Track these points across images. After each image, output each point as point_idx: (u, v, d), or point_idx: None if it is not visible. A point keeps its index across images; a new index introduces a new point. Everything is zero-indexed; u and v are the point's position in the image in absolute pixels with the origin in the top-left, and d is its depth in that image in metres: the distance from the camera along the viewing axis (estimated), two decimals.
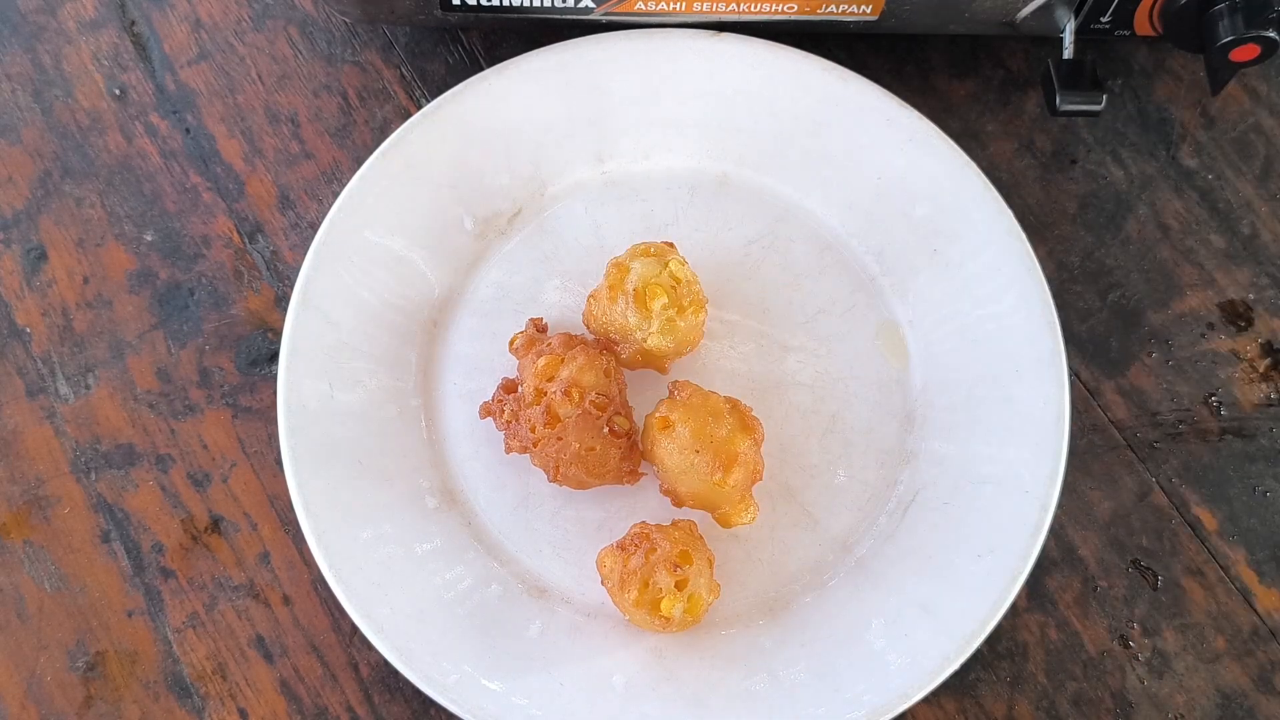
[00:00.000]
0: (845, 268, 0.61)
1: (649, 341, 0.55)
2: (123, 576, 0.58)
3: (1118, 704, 0.57)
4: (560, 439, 0.53)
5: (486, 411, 0.57)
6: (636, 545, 0.52)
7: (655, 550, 0.51)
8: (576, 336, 0.56)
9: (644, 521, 0.53)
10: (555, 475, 0.54)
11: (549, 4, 0.60)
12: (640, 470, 0.55)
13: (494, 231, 0.61)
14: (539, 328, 0.58)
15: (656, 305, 0.54)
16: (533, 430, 0.54)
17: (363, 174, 0.58)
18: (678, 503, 0.54)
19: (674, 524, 0.53)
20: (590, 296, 0.57)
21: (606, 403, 0.54)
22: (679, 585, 0.51)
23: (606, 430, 0.53)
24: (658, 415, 0.53)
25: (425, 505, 0.56)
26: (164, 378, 0.61)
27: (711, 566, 0.53)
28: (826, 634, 0.54)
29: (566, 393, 0.53)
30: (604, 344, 0.56)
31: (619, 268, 0.55)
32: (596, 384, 0.54)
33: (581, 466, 0.53)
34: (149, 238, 0.63)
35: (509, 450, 0.55)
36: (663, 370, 0.58)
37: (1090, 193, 0.65)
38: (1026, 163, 0.65)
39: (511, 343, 0.57)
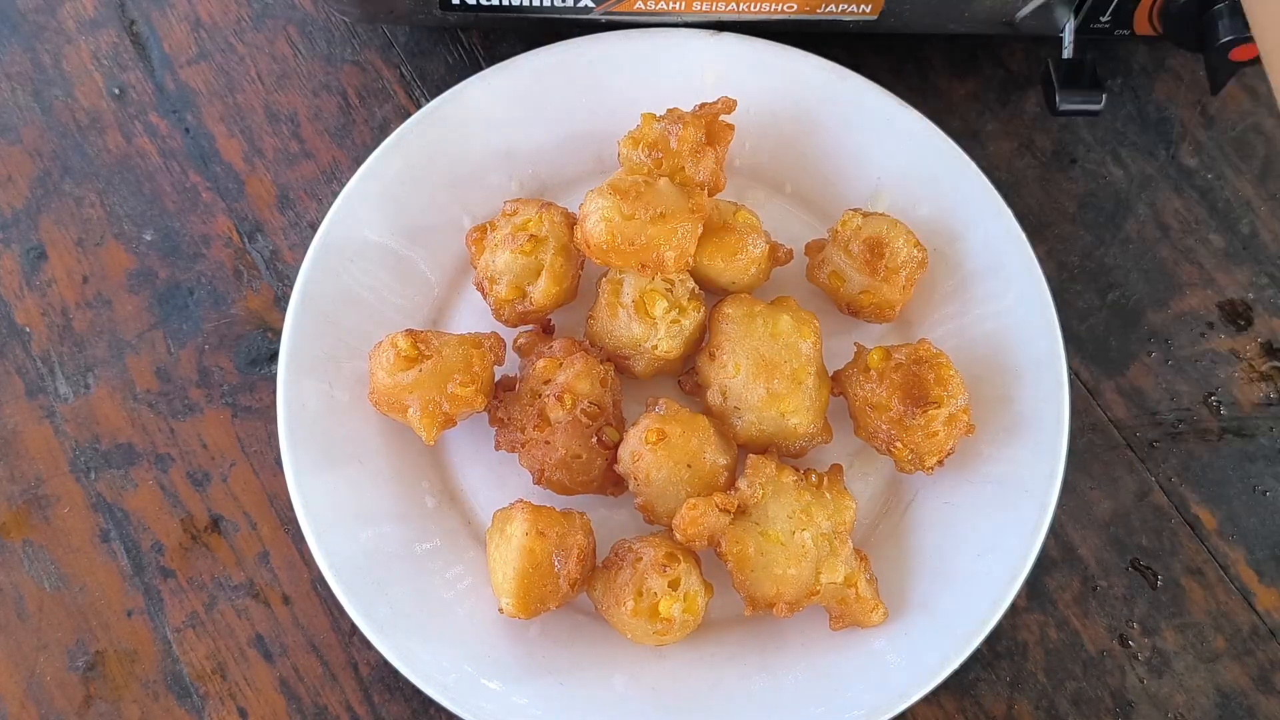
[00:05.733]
0: None
1: (659, 349, 0.55)
2: (122, 576, 0.58)
3: (1117, 703, 0.57)
4: (548, 443, 0.53)
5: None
6: (620, 560, 0.52)
7: (640, 559, 0.51)
8: (580, 343, 0.56)
9: (621, 539, 0.53)
10: (540, 478, 0.54)
11: (549, 3, 0.60)
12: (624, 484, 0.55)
13: None
14: (545, 329, 0.58)
15: (658, 310, 0.54)
16: (522, 431, 0.54)
17: (362, 174, 0.58)
18: (652, 520, 0.54)
19: (653, 533, 0.54)
20: (589, 317, 0.57)
21: (598, 412, 0.54)
22: (672, 585, 0.51)
23: (595, 440, 0.53)
24: (648, 428, 0.53)
25: (425, 505, 0.56)
26: (164, 377, 0.61)
27: (699, 565, 0.53)
28: (826, 633, 0.54)
29: (560, 398, 0.53)
30: (616, 362, 0.56)
31: (612, 283, 0.55)
32: (591, 392, 0.54)
33: (566, 472, 0.53)
34: (149, 237, 0.63)
35: (498, 447, 0.55)
36: (677, 373, 0.58)
37: (1090, 192, 0.65)
38: (1026, 162, 0.65)
39: (515, 341, 0.58)
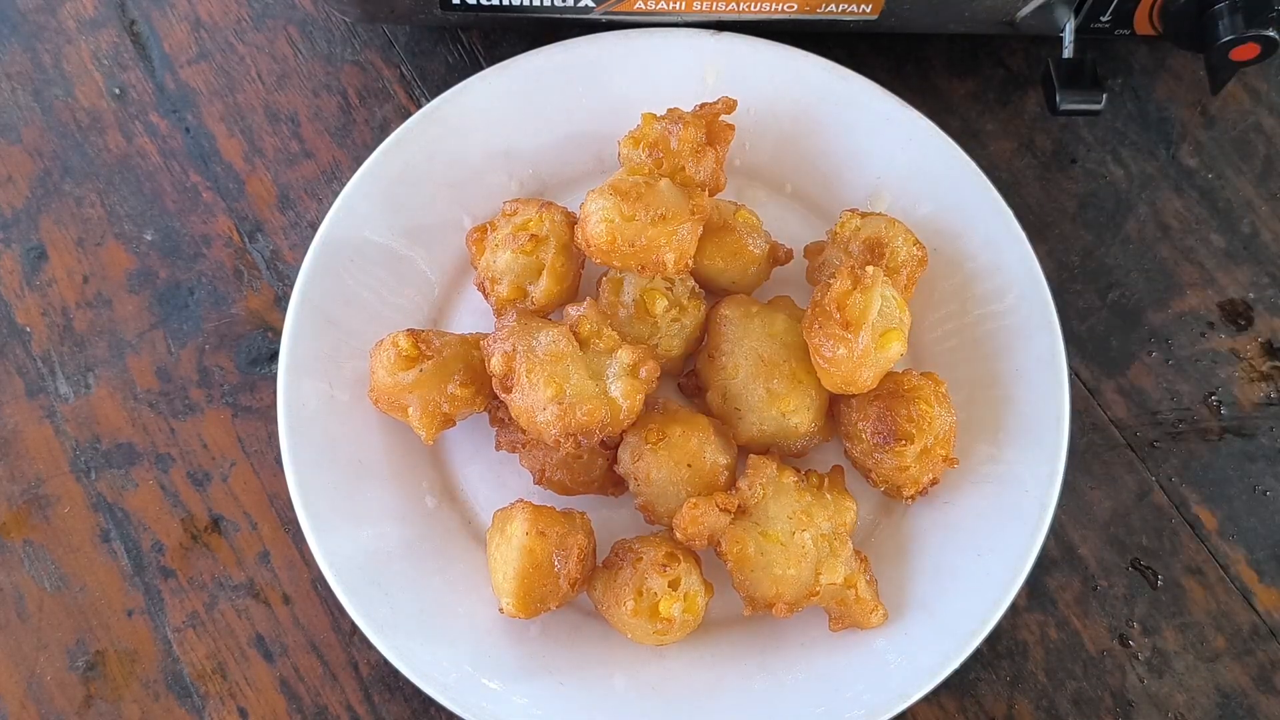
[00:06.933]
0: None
1: (660, 348, 0.55)
2: (123, 576, 0.58)
3: (1118, 703, 0.57)
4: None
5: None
6: (620, 560, 0.52)
7: (641, 559, 0.51)
8: None
9: (621, 539, 0.53)
10: (541, 478, 0.54)
11: (549, 3, 0.60)
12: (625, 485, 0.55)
13: None
14: None
15: (659, 309, 0.54)
16: (523, 431, 0.54)
17: (363, 173, 0.58)
18: (652, 520, 0.54)
19: (653, 533, 0.54)
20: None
21: None
22: (672, 585, 0.51)
23: (596, 441, 0.53)
24: (648, 428, 0.53)
25: (425, 505, 0.56)
26: (164, 377, 0.61)
27: (700, 565, 0.53)
28: (826, 633, 0.54)
29: None
30: None
31: (612, 282, 0.55)
32: None
33: (566, 472, 0.53)
34: (149, 237, 0.63)
35: (499, 447, 0.55)
36: (677, 373, 0.58)
37: (1090, 192, 0.65)
38: (1026, 162, 0.65)
39: None
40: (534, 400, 0.49)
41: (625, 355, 0.51)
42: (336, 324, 0.57)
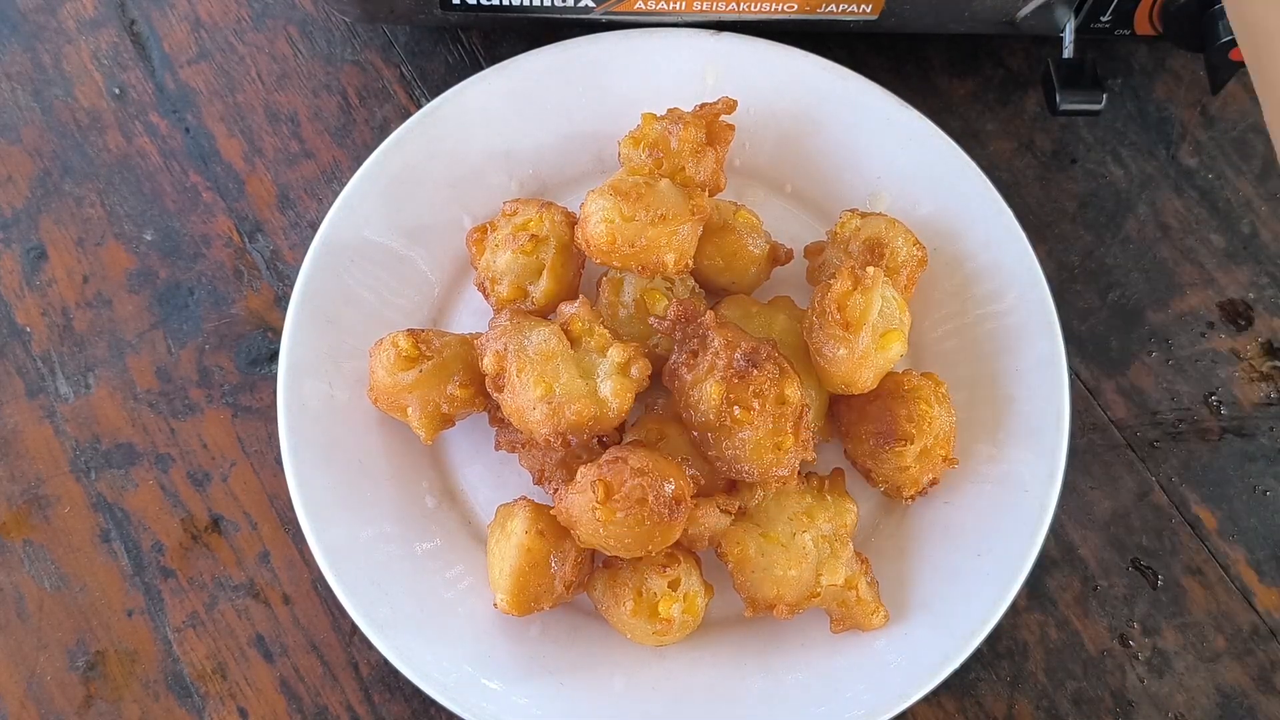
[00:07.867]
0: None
1: (660, 347, 0.55)
2: (123, 576, 0.58)
3: (1118, 703, 0.57)
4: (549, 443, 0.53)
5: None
6: (620, 560, 0.51)
7: (641, 559, 0.51)
8: None
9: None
10: (540, 479, 0.54)
11: (549, 3, 0.60)
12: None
13: None
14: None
15: (659, 309, 0.54)
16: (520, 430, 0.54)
17: (363, 173, 0.58)
18: None
19: None
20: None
21: None
22: (672, 585, 0.51)
23: (595, 441, 0.53)
24: (647, 428, 0.53)
25: (425, 505, 0.56)
26: (164, 377, 0.61)
27: (700, 566, 0.53)
28: (826, 633, 0.54)
29: None
30: None
31: (612, 283, 0.55)
32: None
33: (566, 472, 0.53)
34: (149, 237, 0.63)
35: (498, 447, 0.55)
36: None
37: (1090, 192, 0.65)
38: (1026, 162, 0.65)
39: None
40: (524, 400, 0.49)
41: (616, 354, 0.51)
42: (336, 324, 0.57)
